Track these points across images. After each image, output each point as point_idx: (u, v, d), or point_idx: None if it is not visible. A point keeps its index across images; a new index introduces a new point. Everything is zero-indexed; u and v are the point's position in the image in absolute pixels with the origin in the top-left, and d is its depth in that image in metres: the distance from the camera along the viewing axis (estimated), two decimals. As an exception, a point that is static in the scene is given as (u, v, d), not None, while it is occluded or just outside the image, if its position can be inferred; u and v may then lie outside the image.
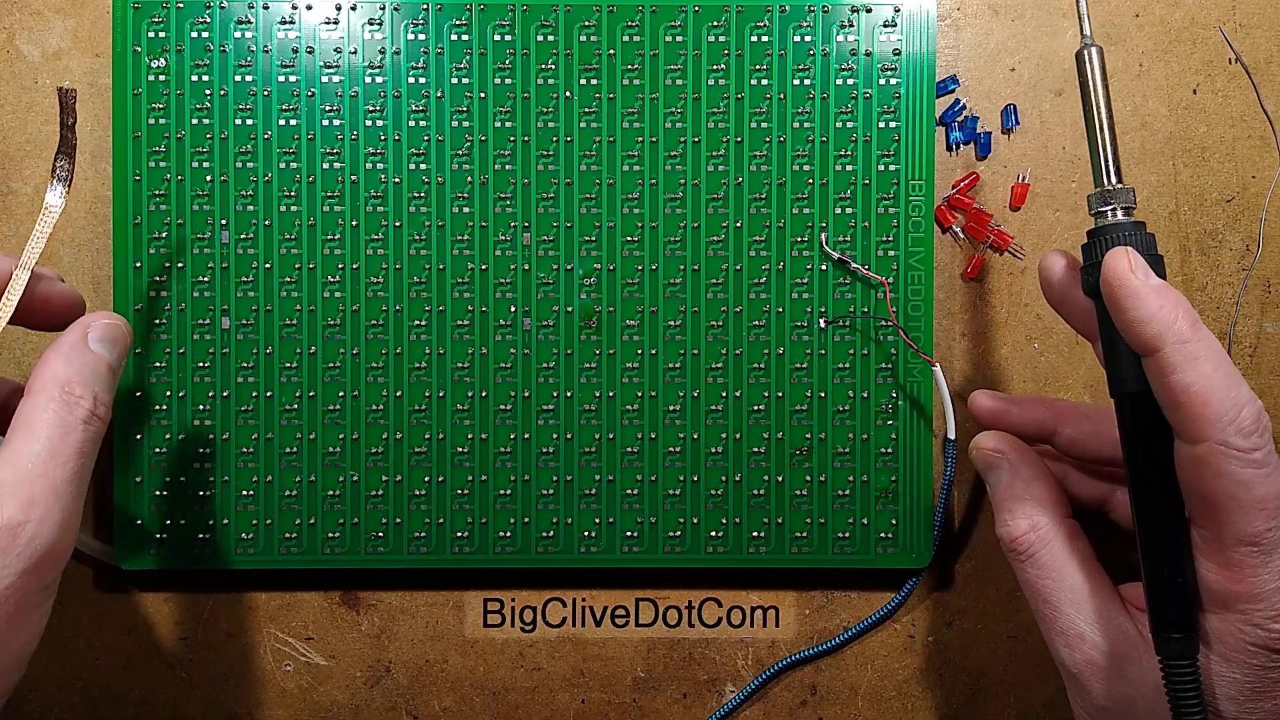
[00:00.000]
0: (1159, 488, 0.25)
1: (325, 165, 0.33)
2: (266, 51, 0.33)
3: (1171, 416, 0.24)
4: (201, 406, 0.33)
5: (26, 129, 0.34)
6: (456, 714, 0.35)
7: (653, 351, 0.33)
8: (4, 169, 0.34)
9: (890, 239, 0.33)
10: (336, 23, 0.33)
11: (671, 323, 0.33)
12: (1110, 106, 0.26)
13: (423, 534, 0.33)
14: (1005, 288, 0.35)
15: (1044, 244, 0.34)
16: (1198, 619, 0.24)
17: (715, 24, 0.33)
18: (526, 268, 0.33)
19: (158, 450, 0.33)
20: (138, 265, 0.33)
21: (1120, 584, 0.28)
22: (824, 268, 0.33)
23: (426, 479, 0.33)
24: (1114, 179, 0.26)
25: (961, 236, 0.34)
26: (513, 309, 0.33)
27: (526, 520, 0.33)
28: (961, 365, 0.35)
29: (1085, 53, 0.26)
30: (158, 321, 0.33)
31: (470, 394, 0.33)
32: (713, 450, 0.33)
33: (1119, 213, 0.26)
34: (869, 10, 0.33)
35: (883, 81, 0.33)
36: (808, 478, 0.33)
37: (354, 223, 0.33)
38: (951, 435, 0.33)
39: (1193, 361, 0.23)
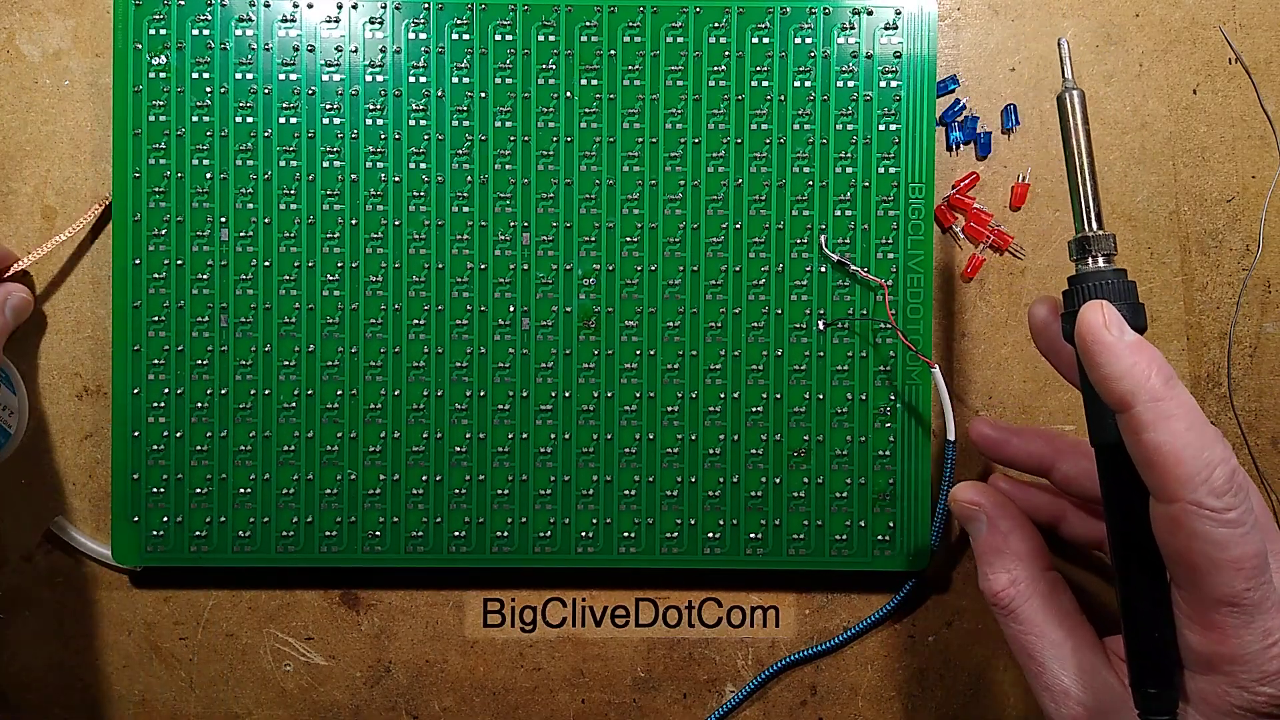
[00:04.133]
0: (1138, 543, 0.24)
1: (325, 164, 0.33)
2: (267, 49, 0.33)
3: (1145, 475, 0.23)
4: (200, 404, 0.33)
5: (26, 129, 0.34)
6: (456, 714, 0.35)
7: (651, 352, 0.33)
8: (4, 169, 0.34)
9: (890, 241, 0.33)
10: (337, 21, 0.33)
11: (670, 324, 0.33)
12: (1091, 151, 0.26)
13: (420, 533, 0.33)
14: (1005, 288, 0.34)
15: (1044, 244, 0.34)
16: (1176, 675, 0.24)
17: (716, 25, 0.33)
18: (526, 268, 0.33)
19: (156, 448, 0.33)
20: (137, 263, 0.33)
21: (1111, 635, 0.27)
22: (823, 270, 0.33)
23: (425, 478, 0.33)
24: (1094, 225, 0.26)
25: (961, 237, 0.34)
26: (512, 309, 0.33)
27: (524, 520, 0.33)
28: (961, 366, 0.35)
29: (1067, 97, 0.26)
30: (156, 319, 0.33)
31: (469, 394, 0.33)
32: (711, 451, 0.33)
33: (1099, 260, 0.25)
34: (870, 13, 0.33)
35: (883, 84, 0.33)
36: (805, 479, 0.33)
37: (354, 221, 0.33)
38: (951, 437, 0.33)
39: (1165, 420, 0.23)
